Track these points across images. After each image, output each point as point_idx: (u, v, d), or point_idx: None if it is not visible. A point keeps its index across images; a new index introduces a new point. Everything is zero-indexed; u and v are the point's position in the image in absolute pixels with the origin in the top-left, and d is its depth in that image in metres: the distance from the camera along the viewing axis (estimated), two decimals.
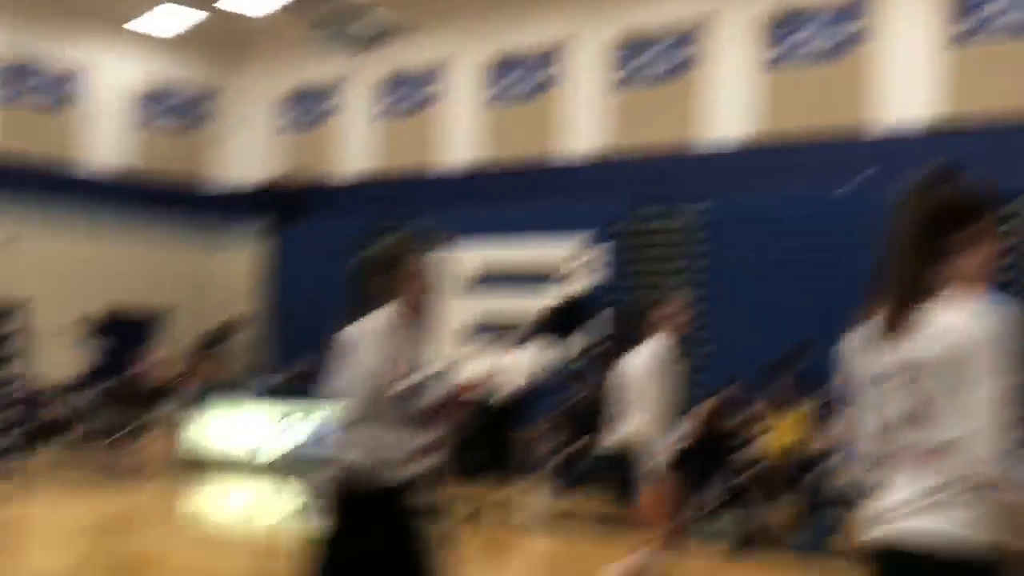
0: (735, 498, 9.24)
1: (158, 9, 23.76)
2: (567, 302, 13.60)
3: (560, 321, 13.22)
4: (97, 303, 24.15)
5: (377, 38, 19.75)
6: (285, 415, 14.64)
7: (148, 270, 24.79)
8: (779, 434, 9.16)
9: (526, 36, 21.65)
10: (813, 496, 9.63)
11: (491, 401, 12.20)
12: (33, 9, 23.45)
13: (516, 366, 12.27)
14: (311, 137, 25.32)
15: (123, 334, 24.20)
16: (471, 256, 20.81)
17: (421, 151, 23.09)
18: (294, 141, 25.66)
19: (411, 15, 22.66)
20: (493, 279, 20.50)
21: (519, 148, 21.49)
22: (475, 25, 22.43)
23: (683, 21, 19.60)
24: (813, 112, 17.89)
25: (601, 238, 19.50)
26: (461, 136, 22.57)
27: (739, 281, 17.38)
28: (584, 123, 20.76)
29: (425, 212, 21.86)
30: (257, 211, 24.93)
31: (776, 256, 17.15)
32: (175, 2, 23.39)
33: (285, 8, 21.91)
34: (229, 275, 25.75)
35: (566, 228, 19.84)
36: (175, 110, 26.17)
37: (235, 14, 24.18)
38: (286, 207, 24.53)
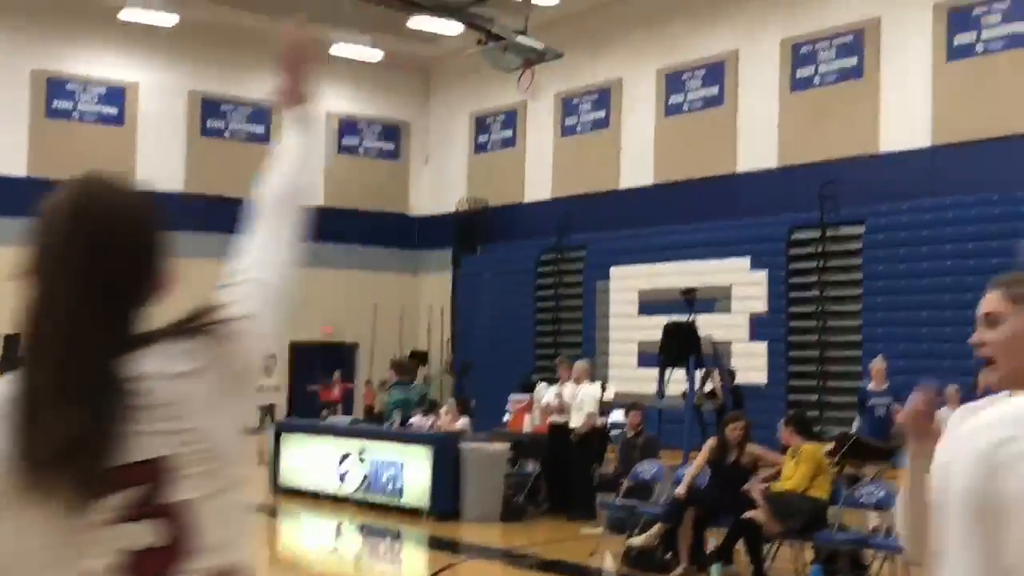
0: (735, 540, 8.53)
1: (349, 42, 24.36)
2: (679, 328, 13.18)
3: (673, 348, 12.82)
4: (299, 334, 24.96)
5: (533, 61, 19.70)
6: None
7: (347, 298, 25.43)
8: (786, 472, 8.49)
9: (693, 52, 21.16)
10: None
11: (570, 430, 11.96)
12: (229, 44, 24.39)
13: (588, 396, 11.98)
14: (496, 163, 25.51)
15: (326, 362, 25.05)
16: (647, 276, 20.63)
17: (600, 173, 22.89)
18: (478, 169, 25.93)
19: (579, 38, 22.61)
20: (664, 301, 20.20)
21: (695, 165, 21.01)
22: (643, 44, 22.08)
23: (852, 26, 18.76)
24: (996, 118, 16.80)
25: (773, 256, 19.00)
26: (638, 156, 22.24)
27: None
28: (758, 136, 20.11)
29: (604, 234, 21.84)
30: (447, 239, 25.38)
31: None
32: (366, 33, 23.92)
33: (468, 37, 22.11)
34: (425, 303, 26.25)
35: (742, 246, 19.41)
36: (370, 140, 26.82)
37: (424, 44, 24.61)
38: (470, 234, 24.88)
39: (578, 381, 12.17)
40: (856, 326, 17.89)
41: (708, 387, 13.47)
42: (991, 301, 2.52)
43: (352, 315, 25.35)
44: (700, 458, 8.92)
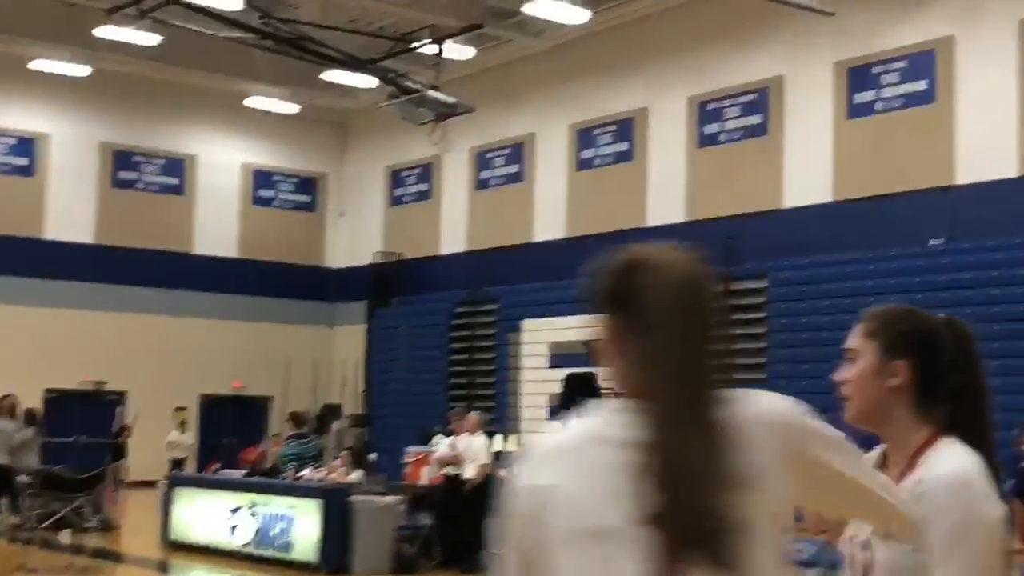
0: None
1: (265, 95, 24.34)
2: (578, 379, 13.19)
3: (571, 400, 12.83)
4: (210, 386, 24.73)
5: (445, 115, 19.83)
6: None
7: (260, 351, 25.22)
8: None
9: (604, 108, 21.41)
10: None
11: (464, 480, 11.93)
12: (146, 96, 24.27)
13: (480, 447, 11.98)
14: (411, 216, 25.56)
15: (236, 415, 24.81)
16: (558, 329, 20.69)
17: (513, 226, 22.99)
18: (394, 221, 25.97)
19: (492, 93, 22.80)
20: (574, 354, 20.33)
21: (606, 219, 21.17)
22: (555, 100, 22.31)
23: (756, 84, 19.09)
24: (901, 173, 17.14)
25: None
26: (550, 210, 22.39)
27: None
28: (666, 191, 20.34)
29: (517, 287, 21.91)
30: (363, 291, 25.33)
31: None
32: (281, 87, 23.90)
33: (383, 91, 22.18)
34: (339, 356, 26.12)
35: None
36: (286, 192, 26.77)
37: (340, 97, 24.67)
38: (384, 287, 24.86)
39: (471, 432, 12.15)
40: (762, 379, 18.04)
41: None
42: (852, 337, 2.54)
43: (265, 369, 25.12)
44: None
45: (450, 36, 19.78)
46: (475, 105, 20.52)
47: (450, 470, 12.06)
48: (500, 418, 21.70)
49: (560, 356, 20.51)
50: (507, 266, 22.51)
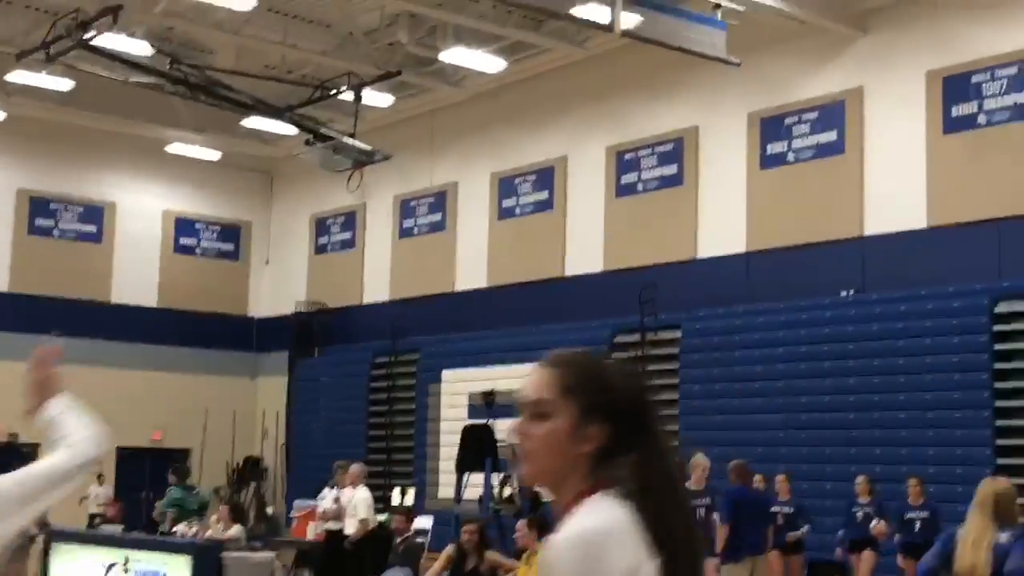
0: None
1: (186, 142, 24.08)
2: (476, 431, 12.97)
3: (470, 451, 12.60)
4: (128, 438, 24.20)
5: (363, 162, 19.63)
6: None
7: (180, 402, 24.75)
8: None
9: (525, 157, 21.29)
10: None
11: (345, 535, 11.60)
12: (62, 141, 23.92)
13: (360, 501, 11.66)
14: (335, 265, 25.29)
15: (155, 468, 24.27)
16: (477, 380, 20.41)
17: (436, 275, 22.76)
18: (318, 270, 25.70)
19: (415, 141, 22.68)
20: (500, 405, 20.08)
21: (527, 268, 20.99)
22: (477, 149, 22.20)
23: (672, 134, 19.03)
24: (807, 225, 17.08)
25: None
26: (473, 259, 22.18)
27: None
28: (585, 241, 20.18)
29: (438, 337, 21.65)
30: (285, 339, 24.99)
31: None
32: (202, 133, 23.64)
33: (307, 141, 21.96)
34: (261, 407, 25.73)
35: (573, 343, 19.29)
36: (208, 240, 26.42)
37: (263, 144, 24.45)
38: (307, 337, 24.54)
39: (353, 485, 11.83)
40: (673, 430, 17.83)
41: (507, 492, 13.24)
42: (541, 384, 2.32)
43: (185, 419, 24.65)
44: (437, 565, 8.64)
45: (368, 84, 19.60)
46: (392, 152, 20.35)
47: (331, 525, 11.72)
48: (418, 470, 21.38)
49: (479, 407, 20.23)
50: (428, 316, 22.27)
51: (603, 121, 20.05)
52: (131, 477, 23.89)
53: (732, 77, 17.25)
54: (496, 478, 12.94)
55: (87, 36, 16.82)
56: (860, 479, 13.61)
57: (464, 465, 12.80)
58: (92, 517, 21.25)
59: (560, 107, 20.70)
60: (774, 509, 13.30)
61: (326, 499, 12.07)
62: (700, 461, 11.97)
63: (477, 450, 12.63)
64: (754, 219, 17.80)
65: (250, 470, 24.89)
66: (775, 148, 17.63)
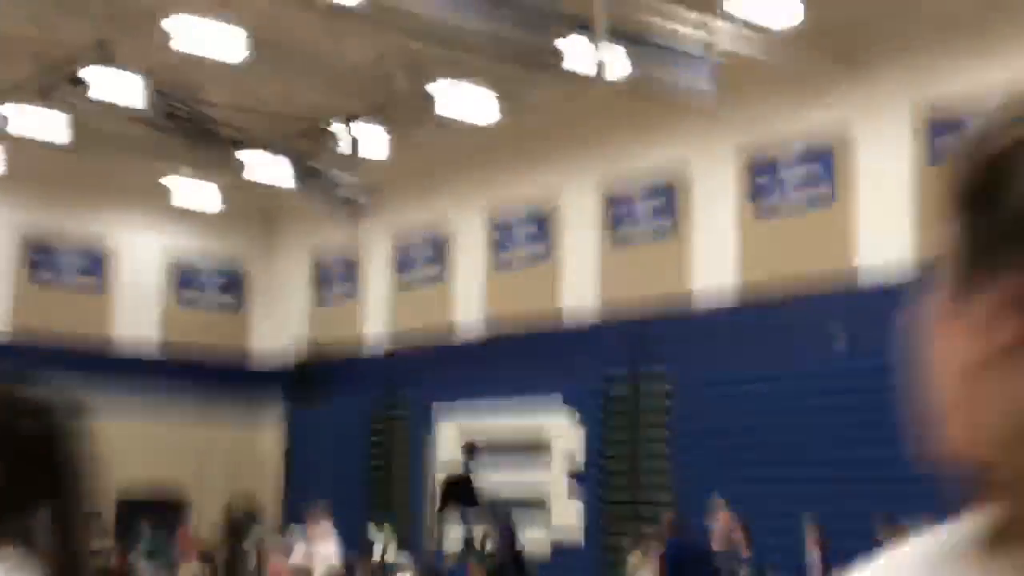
0: None
1: (186, 185, 24.00)
2: (456, 481, 12.61)
3: (449, 502, 12.23)
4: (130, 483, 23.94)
5: (355, 204, 19.48)
6: None
7: (180, 451, 24.50)
8: None
9: (520, 199, 21.08)
10: None
11: None
12: (61, 186, 23.91)
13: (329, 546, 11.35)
14: (333, 312, 25.09)
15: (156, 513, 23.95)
16: (471, 429, 20.09)
17: (433, 321, 22.50)
18: (319, 317, 25.49)
19: (410, 184, 22.54)
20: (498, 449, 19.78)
21: (523, 316, 20.70)
22: (471, 192, 22.00)
23: (660, 180, 18.78)
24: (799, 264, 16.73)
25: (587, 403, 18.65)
26: (469, 304, 21.92)
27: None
28: (580, 286, 19.88)
29: (434, 384, 21.36)
30: (284, 387, 24.76)
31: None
32: (202, 178, 23.55)
33: (302, 182, 21.84)
34: (258, 453, 25.44)
35: (562, 397, 19.05)
36: (209, 286, 26.29)
37: (262, 188, 24.31)
38: (306, 383, 24.29)
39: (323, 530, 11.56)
40: (663, 483, 17.44)
41: (489, 546, 12.87)
42: None
43: (184, 468, 24.39)
44: None
45: (357, 117, 19.50)
46: (383, 188, 20.18)
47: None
48: (416, 517, 20.99)
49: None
50: (425, 363, 21.97)
51: (596, 163, 19.82)
52: (132, 527, 23.63)
53: (720, 122, 16.99)
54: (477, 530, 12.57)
55: (75, 74, 16.78)
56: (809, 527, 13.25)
57: (444, 515, 12.43)
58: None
59: (553, 149, 20.46)
60: None
61: (296, 553, 11.75)
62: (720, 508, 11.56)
63: (456, 500, 12.24)
64: (745, 265, 17.50)
65: (245, 520, 24.52)
66: (764, 193, 17.35)
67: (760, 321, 16.85)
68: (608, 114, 19.31)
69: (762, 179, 17.31)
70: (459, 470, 14.36)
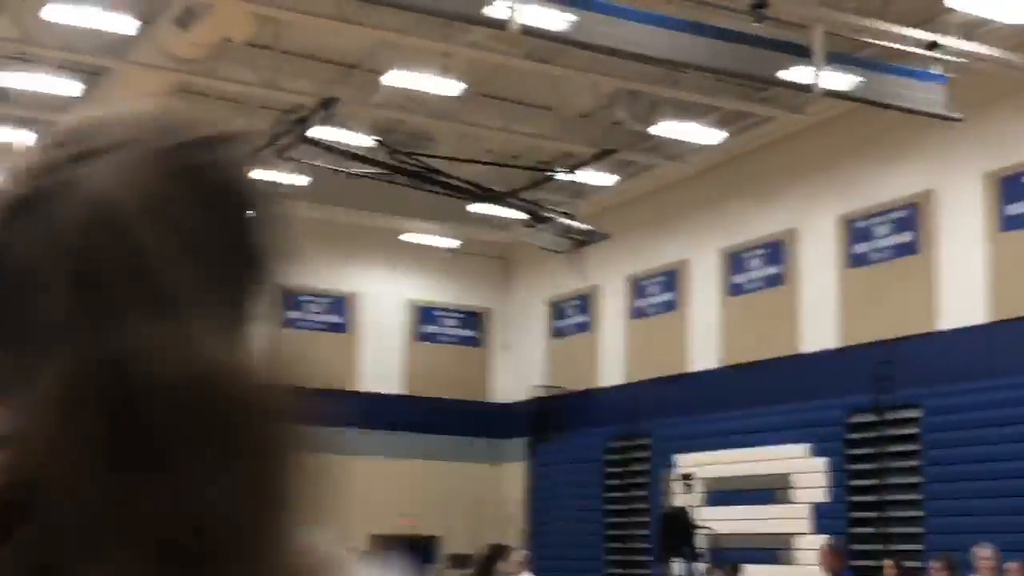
0: None
1: (421, 231, 24.53)
2: (675, 516, 12.23)
3: (668, 538, 11.87)
4: (376, 526, 24.47)
5: (582, 243, 19.40)
6: None
7: (425, 489, 24.92)
8: None
9: (755, 230, 20.56)
10: None
11: None
12: (302, 236, 24.64)
13: None
14: (571, 349, 25.07)
15: (405, 549, 24.41)
16: (710, 465, 19.65)
17: (668, 356, 22.17)
18: (555, 354, 25.53)
19: (643, 219, 22.33)
20: (727, 490, 19.27)
21: (758, 348, 20.14)
22: (705, 225, 21.60)
23: (902, 200, 17.94)
24: None
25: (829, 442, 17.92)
26: (704, 338, 21.49)
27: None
28: (818, 315, 19.19)
29: (670, 420, 21.03)
30: (525, 425, 24.88)
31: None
32: (436, 221, 23.99)
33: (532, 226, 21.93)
34: (503, 493, 25.60)
35: (801, 431, 18.39)
36: (449, 327, 26.72)
37: (494, 230, 24.60)
38: (544, 422, 24.34)
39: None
40: (917, 516, 16.56)
41: None
42: None
43: (431, 506, 24.80)
44: None
45: (585, 164, 19.43)
46: (612, 232, 20.04)
47: None
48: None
49: (715, 493, 19.46)
50: (661, 398, 21.66)
51: (832, 189, 19.14)
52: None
53: (964, 135, 16.12)
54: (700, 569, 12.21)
55: (306, 131, 17.30)
56: None
57: (663, 552, 12.12)
58: None
59: (787, 178, 19.93)
60: None
61: None
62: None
63: (674, 536, 11.92)
64: (996, 286, 16.48)
65: (496, 559, 24.69)
66: (1015, 209, 16.32)
67: (1013, 340, 15.87)
68: (843, 138, 18.67)
69: (1011, 193, 16.32)
70: (677, 503, 14.07)
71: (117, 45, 16.72)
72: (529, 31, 12.45)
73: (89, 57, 17.26)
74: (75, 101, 18.51)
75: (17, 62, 17.29)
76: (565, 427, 24.07)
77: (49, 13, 14.85)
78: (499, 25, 12.37)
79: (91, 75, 18.18)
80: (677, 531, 11.89)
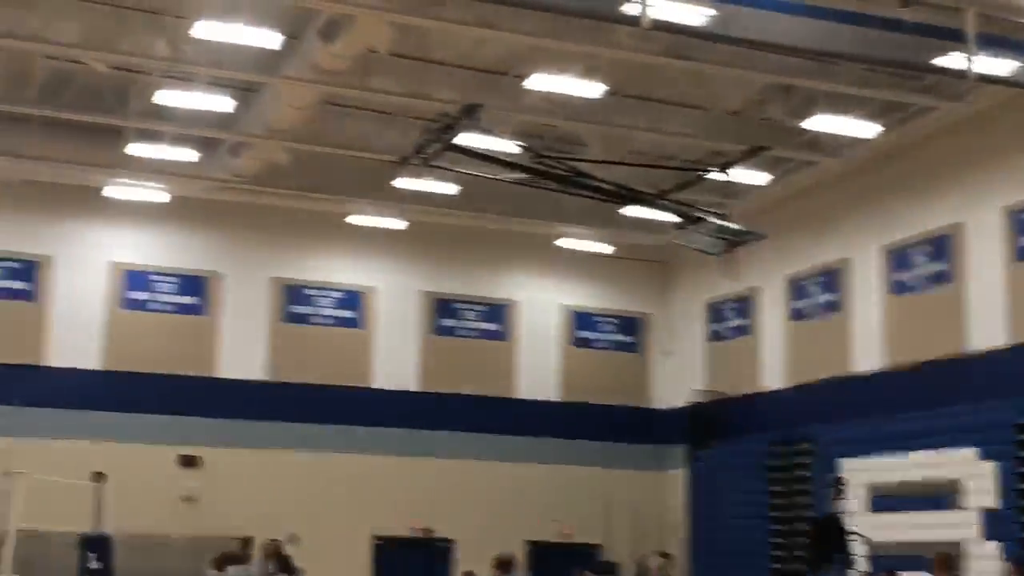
0: None
1: (575, 236, 24.35)
2: (827, 522, 11.71)
3: (820, 546, 11.38)
4: (535, 532, 24.41)
5: (736, 243, 18.88)
6: None
7: (586, 496, 24.73)
8: None
9: (918, 225, 19.80)
10: None
11: None
12: (455, 244, 24.88)
13: None
14: (730, 353, 24.57)
15: (554, 564, 24.25)
16: (875, 470, 18.98)
17: (830, 359, 21.50)
18: (715, 358, 25.05)
19: (801, 218, 21.75)
20: (895, 496, 18.57)
21: (923, 348, 19.36)
22: (865, 222, 20.89)
23: None
24: None
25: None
26: (868, 339, 20.78)
27: None
28: (986, 313, 18.34)
29: (833, 424, 20.43)
30: (685, 431, 24.50)
31: None
32: (589, 226, 23.78)
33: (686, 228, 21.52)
34: (663, 501, 25.25)
35: (970, 434, 17.62)
36: (607, 333, 26.49)
37: (649, 234, 24.25)
38: (705, 427, 23.91)
39: None
40: None
41: None
42: None
43: (590, 514, 24.60)
44: None
45: (736, 162, 18.93)
46: (766, 232, 19.46)
47: None
48: None
49: (882, 499, 18.80)
50: (823, 402, 21.03)
51: (999, 180, 18.28)
52: (541, 572, 24.04)
53: None
54: None
55: (451, 138, 17.26)
56: None
57: (814, 562, 11.66)
58: None
59: (950, 170, 19.13)
60: None
61: None
62: None
63: (826, 544, 11.45)
64: None
65: (660, 567, 24.38)
66: None
67: None
68: (1010, 128, 17.85)
69: None
70: (833, 510, 13.55)
71: (266, 60, 17.03)
72: (664, 26, 12.15)
73: (240, 73, 17.63)
74: (229, 117, 18.98)
75: (172, 80, 17.76)
76: (726, 432, 23.59)
77: (199, 31, 15.17)
78: (633, 22, 12.10)
79: (243, 91, 18.56)
80: (830, 539, 11.42)
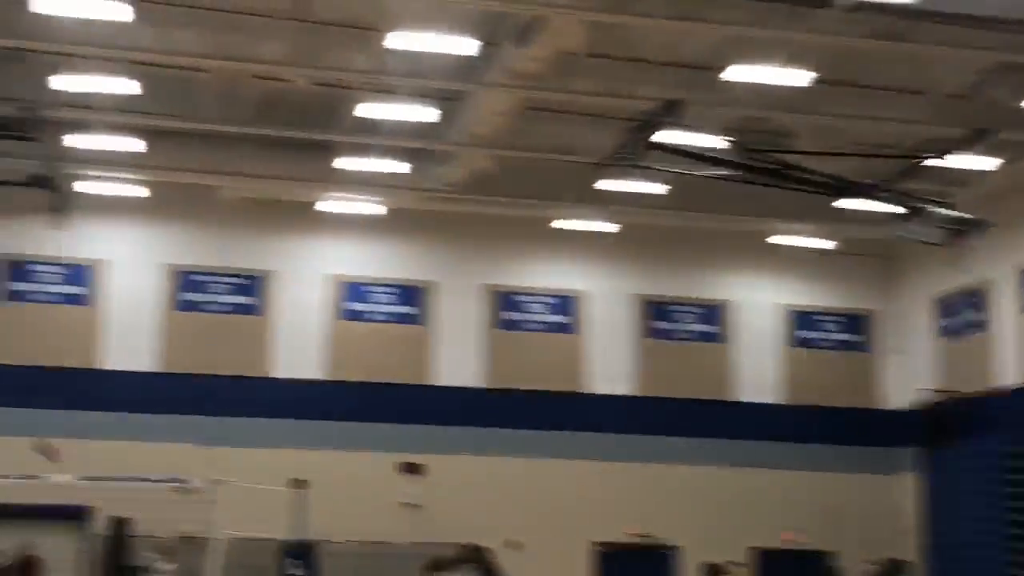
0: None
1: (790, 232, 23.61)
2: None
3: None
4: (759, 538, 23.76)
5: (961, 234, 17.86)
6: None
7: (811, 501, 23.92)
8: None
9: None
10: None
11: None
12: (667, 245, 24.45)
13: None
14: (961, 349, 23.28)
15: (792, 570, 23.56)
16: None
17: None
18: (947, 355, 23.79)
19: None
20: None
21: None
22: None
23: None
24: None
25: None
26: None
27: None
28: None
29: None
30: (917, 432, 23.39)
31: None
32: (805, 222, 22.99)
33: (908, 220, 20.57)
34: (896, 505, 24.14)
35: None
36: (829, 332, 25.57)
37: (870, 227, 23.25)
38: (938, 428, 22.74)
39: None
40: None
41: None
42: None
43: (818, 520, 23.73)
44: None
45: (960, 147, 17.90)
46: (997, 221, 18.36)
47: None
48: None
49: None
50: None
51: None
52: None
53: None
54: None
55: (650, 136, 16.87)
56: None
57: None
58: None
59: None
60: None
61: None
62: None
63: None
64: None
65: (894, 574, 23.35)
66: None
67: None
68: None
69: None
70: None
71: (466, 68, 17.01)
72: (864, 6, 11.49)
73: (440, 82, 17.67)
74: (435, 127, 19.07)
75: (375, 93, 17.94)
76: (960, 433, 22.40)
77: (393, 41, 15.25)
78: (832, 4, 11.49)
79: (446, 100, 18.60)
80: None
